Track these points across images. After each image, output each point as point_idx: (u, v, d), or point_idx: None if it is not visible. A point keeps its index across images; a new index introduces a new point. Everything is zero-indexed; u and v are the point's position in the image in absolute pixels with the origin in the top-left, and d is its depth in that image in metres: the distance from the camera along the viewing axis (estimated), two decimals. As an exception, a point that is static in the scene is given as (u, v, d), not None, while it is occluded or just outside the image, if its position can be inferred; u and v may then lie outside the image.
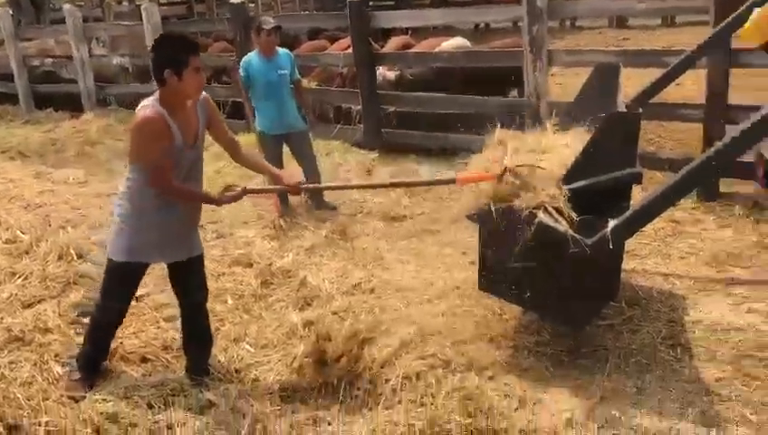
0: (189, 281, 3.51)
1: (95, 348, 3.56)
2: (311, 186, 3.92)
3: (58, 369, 3.62)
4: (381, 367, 3.37)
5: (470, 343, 3.68)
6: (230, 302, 4.38)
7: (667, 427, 2.99)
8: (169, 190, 3.18)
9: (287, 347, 3.74)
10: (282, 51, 5.85)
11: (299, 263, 4.83)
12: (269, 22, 5.74)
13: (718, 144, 2.98)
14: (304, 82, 6.83)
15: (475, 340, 3.72)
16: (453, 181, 3.55)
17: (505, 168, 3.32)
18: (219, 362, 3.68)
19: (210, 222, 5.89)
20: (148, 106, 3.11)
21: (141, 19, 9.37)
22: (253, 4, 17.47)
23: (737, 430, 2.96)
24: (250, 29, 8.15)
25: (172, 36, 3.31)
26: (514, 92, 7.57)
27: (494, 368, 3.45)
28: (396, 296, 4.34)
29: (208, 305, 3.69)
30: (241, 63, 5.75)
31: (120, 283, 3.42)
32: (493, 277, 3.61)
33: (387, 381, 3.29)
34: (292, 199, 6.04)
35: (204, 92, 3.31)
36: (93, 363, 3.55)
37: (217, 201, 3.32)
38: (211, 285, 4.57)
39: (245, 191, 3.36)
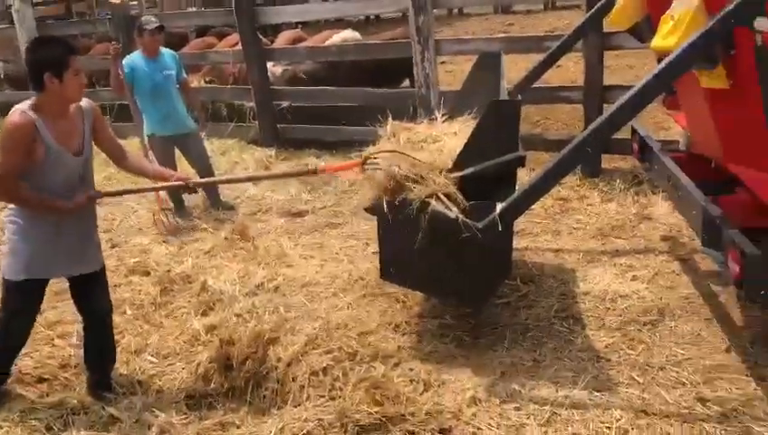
0: (94, 294, 3.37)
1: None
2: (203, 180, 3.84)
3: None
4: (288, 365, 3.36)
5: (375, 332, 3.74)
6: (129, 312, 4.24)
7: (563, 395, 3.15)
8: (15, 199, 3.04)
9: (191, 354, 3.67)
10: (166, 51, 5.70)
11: (199, 267, 4.74)
12: (151, 21, 5.57)
13: (594, 124, 3.15)
14: (192, 82, 6.68)
15: (381, 329, 3.79)
16: (315, 172, 3.66)
17: (366, 156, 3.44)
18: (121, 375, 3.56)
19: (104, 231, 5.68)
20: (17, 111, 2.96)
21: (13, 21, 8.85)
22: (135, 2, 16.78)
23: (626, 391, 3.16)
24: (133, 29, 7.89)
25: (49, 38, 3.18)
26: (407, 82, 7.70)
27: (400, 355, 3.53)
28: (301, 293, 4.35)
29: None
30: (124, 63, 5.54)
31: (23, 303, 3.23)
32: (393, 267, 3.69)
33: (294, 379, 3.29)
34: (189, 202, 5.92)
35: (88, 99, 3.21)
36: None
37: (68, 209, 3.10)
38: (107, 296, 4.45)
39: (103, 194, 3.28)
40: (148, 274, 4.72)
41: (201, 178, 5.56)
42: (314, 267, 4.72)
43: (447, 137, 4.09)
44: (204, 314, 4.12)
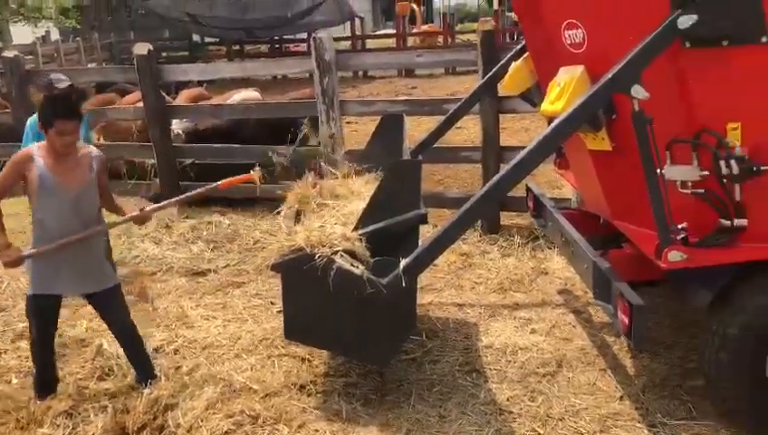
0: (108, 309, 3.75)
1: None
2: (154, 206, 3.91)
3: None
4: (188, 432, 3.23)
5: (280, 394, 3.67)
6: (15, 381, 3.98)
7: (467, 450, 3.18)
8: None
9: (84, 425, 3.46)
10: None
11: (93, 331, 4.50)
12: (62, 80, 5.27)
13: (489, 184, 3.29)
14: (94, 139, 6.46)
15: (285, 390, 3.72)
16: (216, 187, 4.07)
17: (261, 174, 3.91)
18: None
19: (-12, 294, 5.35)
20: (26, 147, 3.64)
21: None
22: (31, 56, 16.28)
23: (528, 443, 3.23)
24: (27, 84, 7.62)
25: (52, 97, 3.72)
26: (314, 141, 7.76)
27: (304, 416, 3.46)
28: (202, 355, 4.22)
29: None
30: (28, 124, 5.18)
31: (36, 317, 3.62)
32: (298, 325, 3.64)
33: (194, 445, 3.16)
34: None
35: (100, 151, 3.69)
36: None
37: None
38: (-9, 364, 4.16)
39: (22, 258, 3.45)
40: (37, 339, 4.44)
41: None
42: (217, 328, 4.60)
43: (353, 194, 4.16)
44: (99, 379, 3.92)
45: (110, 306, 3.74)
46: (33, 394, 3.70)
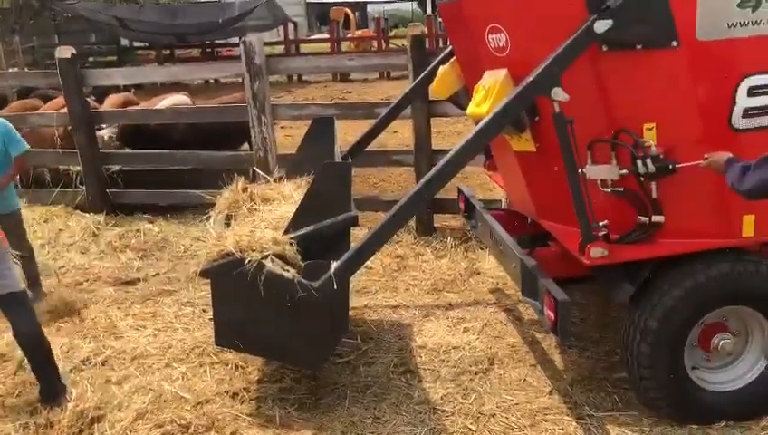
0: (9, 317, 3.70)
1: None
2: None
3: None
4: (115, 444, 3.14)
5: (212, 402, 3.61)
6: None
7: (401, 450, 3.20)
8: None
9: (4, 442, 3.33)
10: None
11: (15, 344, 4.32)
12: None
13: (417, 186, 3.32)
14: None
15: (218, 398, 3.67)
16: None
17: None
18: None
19: None
20: None
21: None
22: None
23: (461, 440, 3.28)
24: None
25: None
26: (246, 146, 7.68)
27: (237, 423, 3.42)
28: (132, 365, 4.11)
29: None
30: None
31: None
32: (230, 331, 3.59)
33: (121, 457, 3.08)
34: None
35: None
36: None
37: None
38: None
39: None
40: (-47, 355, 4.25)
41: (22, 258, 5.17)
42: (146, 338, 4.48)
43: (284, 198, 4.14)
44: (20, 395, 3.77)
45: (8, 313, 3.67)
46: None
